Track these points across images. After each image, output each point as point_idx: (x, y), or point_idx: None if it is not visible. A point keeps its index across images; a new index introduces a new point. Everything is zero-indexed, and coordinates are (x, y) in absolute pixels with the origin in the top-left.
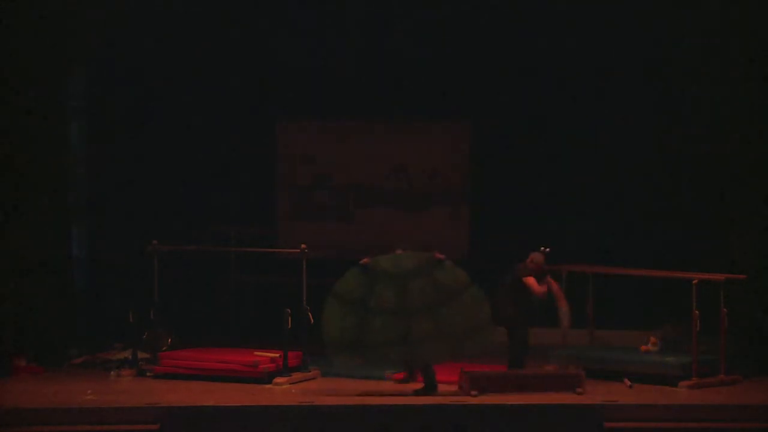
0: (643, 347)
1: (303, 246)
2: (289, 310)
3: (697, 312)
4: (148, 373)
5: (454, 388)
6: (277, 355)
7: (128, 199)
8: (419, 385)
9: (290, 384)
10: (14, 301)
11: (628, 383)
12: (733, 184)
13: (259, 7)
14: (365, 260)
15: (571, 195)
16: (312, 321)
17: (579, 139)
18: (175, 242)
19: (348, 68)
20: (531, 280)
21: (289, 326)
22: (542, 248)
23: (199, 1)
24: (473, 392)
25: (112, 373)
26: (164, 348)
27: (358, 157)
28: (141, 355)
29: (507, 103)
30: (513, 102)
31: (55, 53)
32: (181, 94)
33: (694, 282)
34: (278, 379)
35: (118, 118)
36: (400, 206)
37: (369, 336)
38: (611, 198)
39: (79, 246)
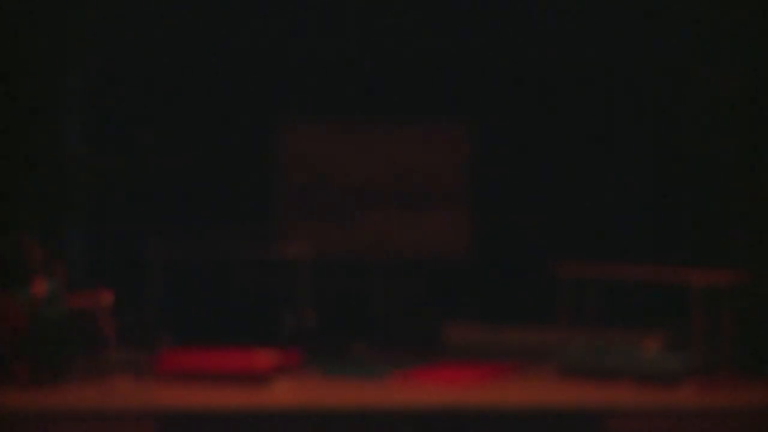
0: (644, 347)
1: (303, 246)
2: (289, 311)
3: (698, 311)
4: (146, 374)
5: (453, 388)
6: (277, 355)
7: (127, 198)
8: None
9: (290, 384)
10: None
11: None
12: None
13: (258, 6)
14: None
15: (572, 195)
16: (313, 321)
17: (579, 139)
18: (174, 242)
19: (348, 68)
20: None
21: (290, 327)
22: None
23: (198, 1)
24: None
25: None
26: (163, 349)
27: (358, 157)
28: (140, 356)
29: (507, 103)
30: (513, 102)
31: (55, 53)
32: (181, 93)
33: (695, 281)
34: (278, 380)
35: (118, 117)
36: (400, 207)
37: None
38: (612, 197)
39: (77, 246)
